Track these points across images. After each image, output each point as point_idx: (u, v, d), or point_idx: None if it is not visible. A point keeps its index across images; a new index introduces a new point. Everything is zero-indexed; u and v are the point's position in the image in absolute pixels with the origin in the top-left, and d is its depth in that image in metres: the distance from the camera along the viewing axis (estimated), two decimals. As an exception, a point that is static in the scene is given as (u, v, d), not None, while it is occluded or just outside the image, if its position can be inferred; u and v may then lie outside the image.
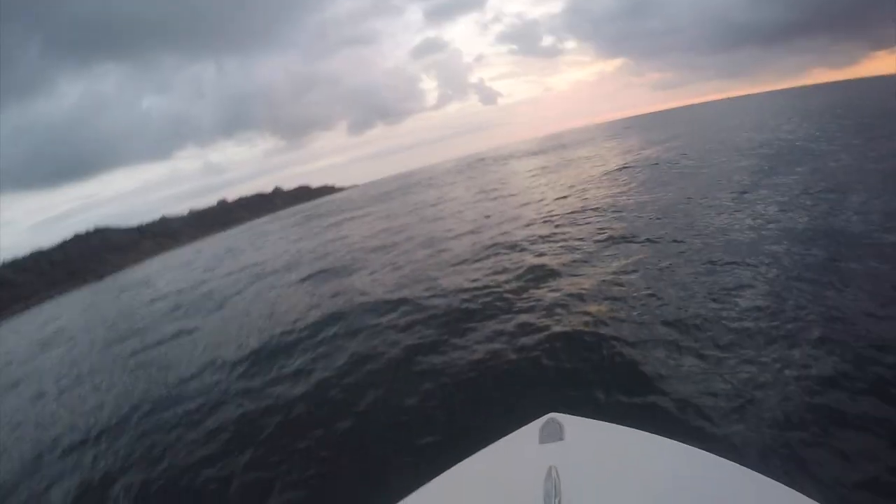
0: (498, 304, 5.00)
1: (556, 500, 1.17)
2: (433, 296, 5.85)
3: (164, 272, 29.14)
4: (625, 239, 6.16)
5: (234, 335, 6.98)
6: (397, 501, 1.43)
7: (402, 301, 5.95)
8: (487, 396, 3.42)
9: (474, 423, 3.08)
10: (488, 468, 1.51)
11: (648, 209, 7.51)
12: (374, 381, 4.06)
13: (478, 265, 6.75)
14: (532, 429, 1.57)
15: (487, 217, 10.83)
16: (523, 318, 4.44)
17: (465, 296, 5.49)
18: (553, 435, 1.49)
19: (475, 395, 3.49)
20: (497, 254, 7.10)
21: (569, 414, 1.59)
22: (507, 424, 1.62)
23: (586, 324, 3.96)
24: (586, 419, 1.57)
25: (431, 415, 3.39)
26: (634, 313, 3.95)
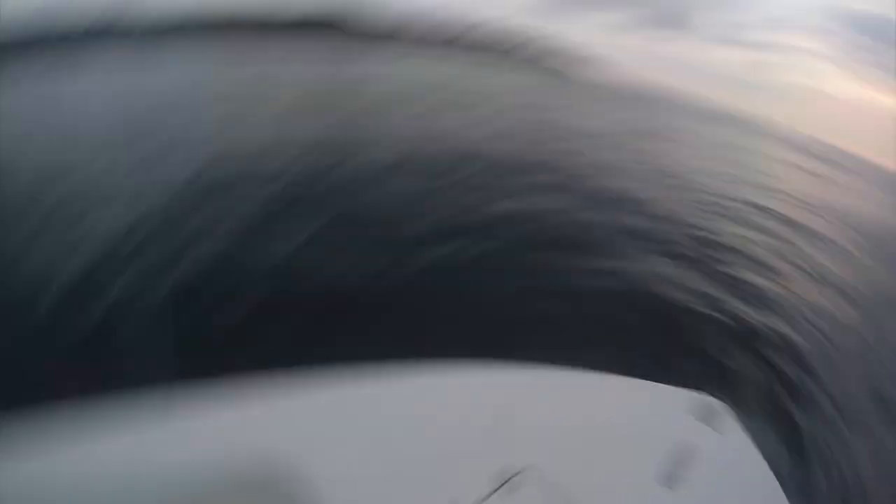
0: (706, 266, 4.72)
1: (674, 474, 1.12)
2: (657, 218, 5.90)
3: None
4: (847, 286, 5.24)
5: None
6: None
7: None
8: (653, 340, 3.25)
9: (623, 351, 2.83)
10: (634, 398, 1.43)
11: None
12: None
13: (706, 217, 6.46)
14: (689, 397, 1.45)
15: (731, 182, 9.65)
16: (718, 292, 4.12)
17: (692, 233, 5.55)
18: (709, 418, 1.36)
19: (641, 327, 3.38)
20: (721, 215, 6.73)
21: (727, 410, 1.45)
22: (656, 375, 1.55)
23: (779, 335, 3.59)
24: (742, 432, 1.41)
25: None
26: (831, 349, 3.62)
